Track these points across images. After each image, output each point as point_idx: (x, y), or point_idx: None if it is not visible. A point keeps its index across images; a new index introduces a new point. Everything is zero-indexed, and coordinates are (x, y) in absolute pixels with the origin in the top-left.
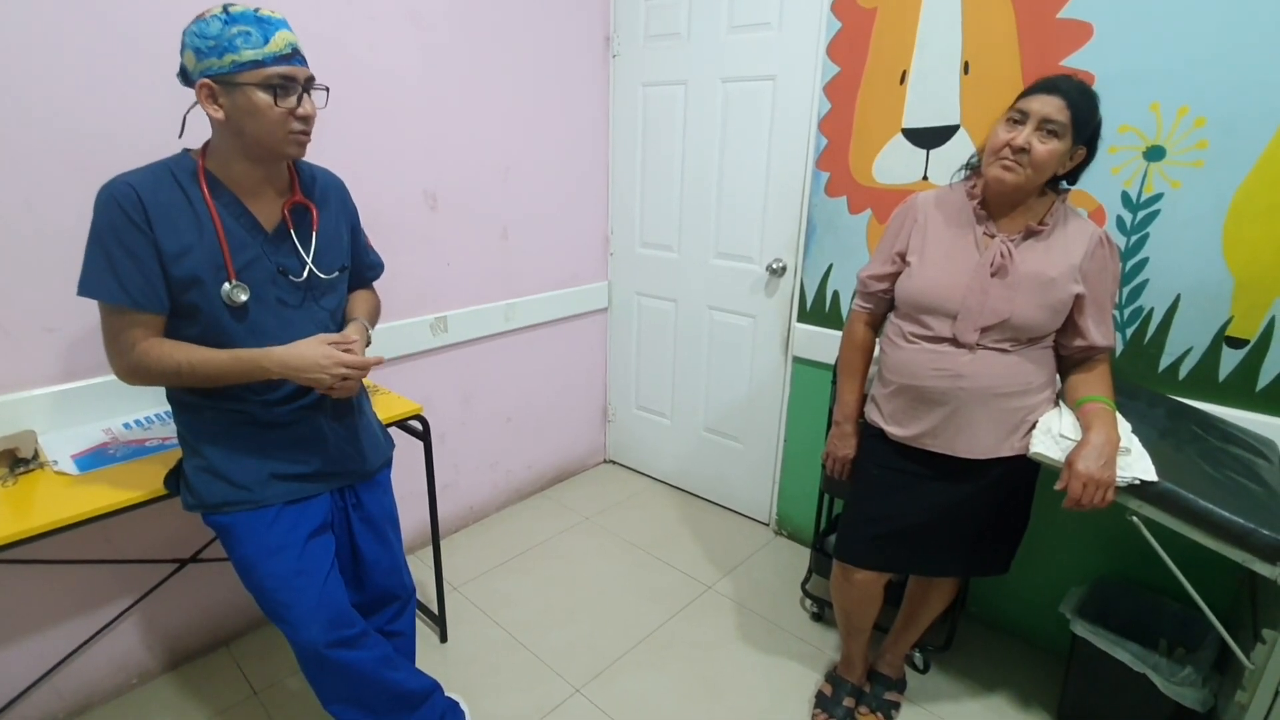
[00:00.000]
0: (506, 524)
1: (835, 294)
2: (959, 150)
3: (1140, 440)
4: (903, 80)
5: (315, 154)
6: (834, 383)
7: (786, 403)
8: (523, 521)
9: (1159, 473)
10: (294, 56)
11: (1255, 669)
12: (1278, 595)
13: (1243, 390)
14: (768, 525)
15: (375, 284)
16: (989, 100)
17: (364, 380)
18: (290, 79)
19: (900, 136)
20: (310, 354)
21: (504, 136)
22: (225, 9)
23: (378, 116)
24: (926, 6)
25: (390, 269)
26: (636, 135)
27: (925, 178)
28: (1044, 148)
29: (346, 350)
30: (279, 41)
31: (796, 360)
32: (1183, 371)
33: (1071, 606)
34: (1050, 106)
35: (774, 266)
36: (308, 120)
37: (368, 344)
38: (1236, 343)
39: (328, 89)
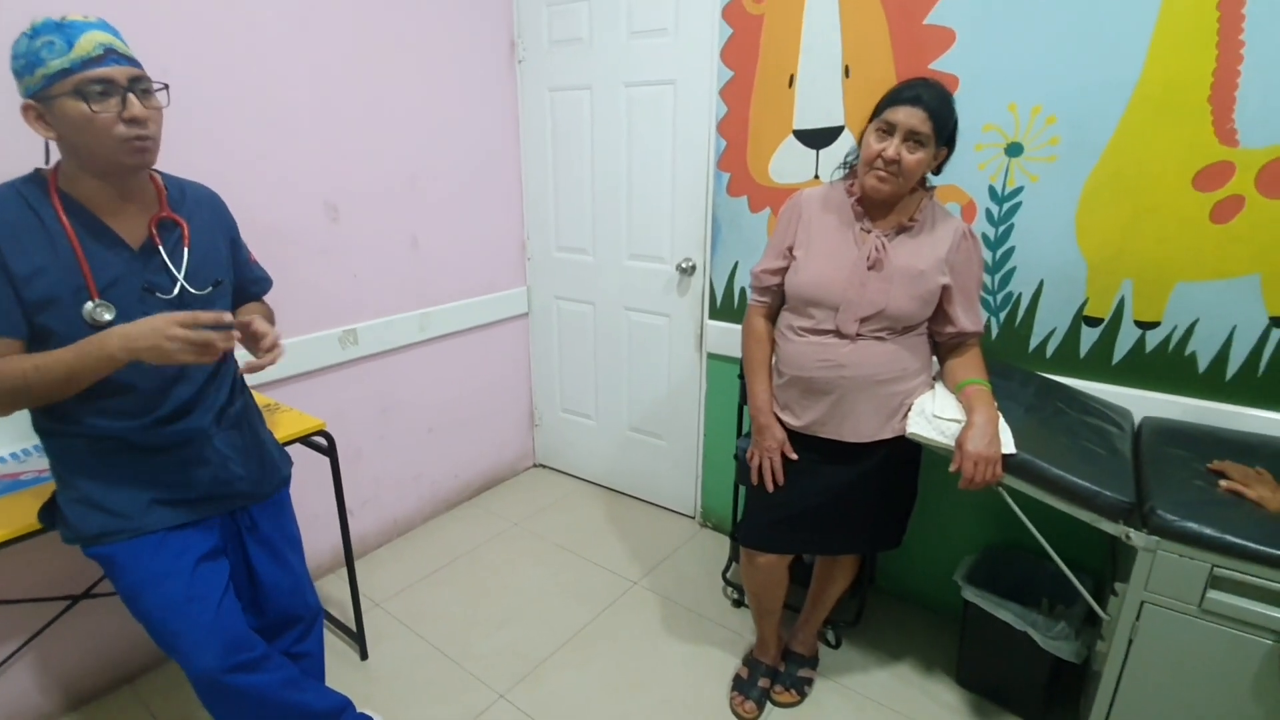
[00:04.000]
0: (432, 536)
1: (742, 290)
2: (845, 149)
3: (1007, 417)
4: (791, 84)
5: (204, 164)
6: (742, 377)
7: (704, 398)
8: (449, 532)
9: (1017, 445)
10: (107, 57)
11: (1110, 619)
12: (1129, 552)
13: (1101, 365)
14: (693, 518)
15: (273, 297)
16: (868, 102)
17: (259, 398)
18: (106, 81)
19: (792, 137)
20: (147, 322)
21: (409, 144)
22: (31, 24)
23: (269, 127)
24: (808, 13)
25: (291, 282)
26: (546, 140)
27: (817, 176)
28: (912, 158)
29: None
30: (86, 44)
31: (710, 356)
32: (1049, 350)
33: (962, 574)
34: (915, 119)
35: (684, 266)
36: (139, 123)
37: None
38: (1093, 322)
39: (166, 86)
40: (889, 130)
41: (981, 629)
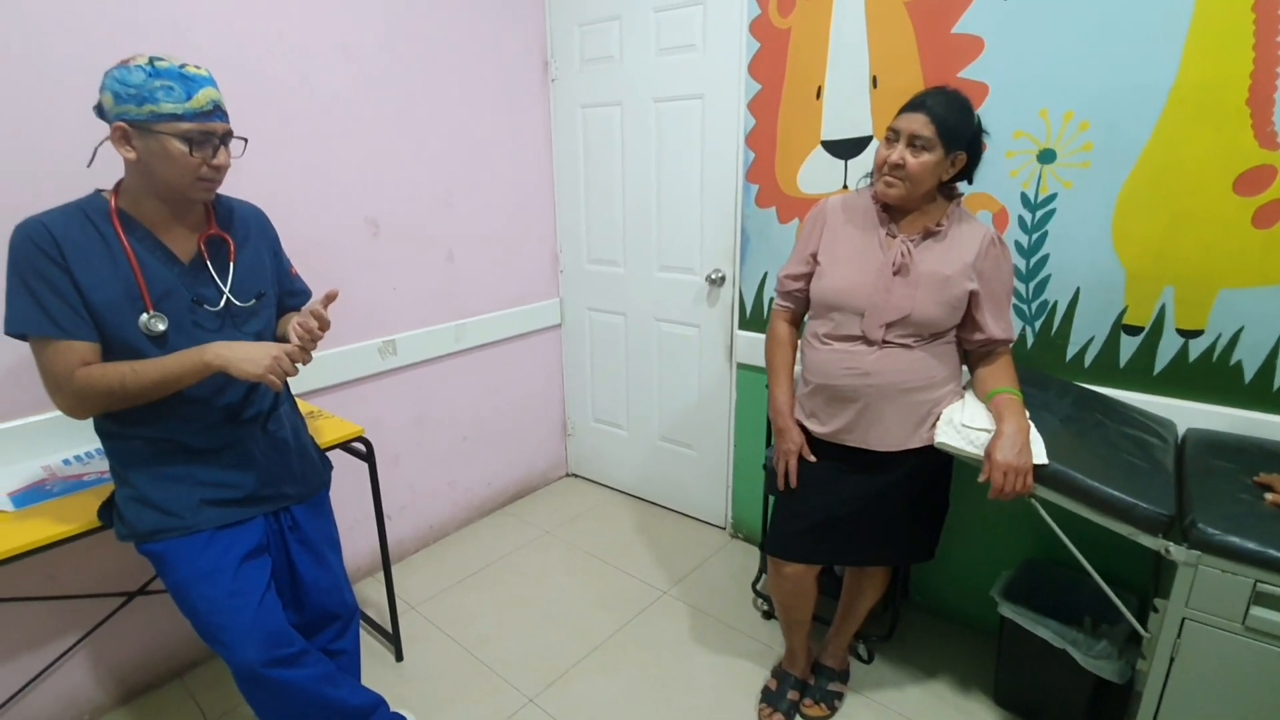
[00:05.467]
0: (466, 542)
1: (772, 301)
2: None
3: (1043, 427)
4: (819, 95)
5: (255, 184)
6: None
7: (734, 408)
8: (483, 538)
9: (1053, 456)
10: (214, 113)
11: (1151, 637)
12: (1170, 567)
13: (1142, 374)
14: (724, 529)
15: None
16: (896, 112)
17: (302, 405)
18: (208, 133)
19: (820, 148)
20: (250, 345)
21: (446, 161)
22: (151, 61)
23: (315, 147)
24: (835, 25)
25: None
26: (578, 155)
27: (845, 186)
28: (916, 161)
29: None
30: (201, 99)
31: (740, 367)
32: (1088, 359)
33: (999, 589)
34: (916, 123)
35: (713, 277)
36: (219, 170)
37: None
38: (1133, 330)
39: (246, 140)
40: (895, 137)
41: (1020, 646)
